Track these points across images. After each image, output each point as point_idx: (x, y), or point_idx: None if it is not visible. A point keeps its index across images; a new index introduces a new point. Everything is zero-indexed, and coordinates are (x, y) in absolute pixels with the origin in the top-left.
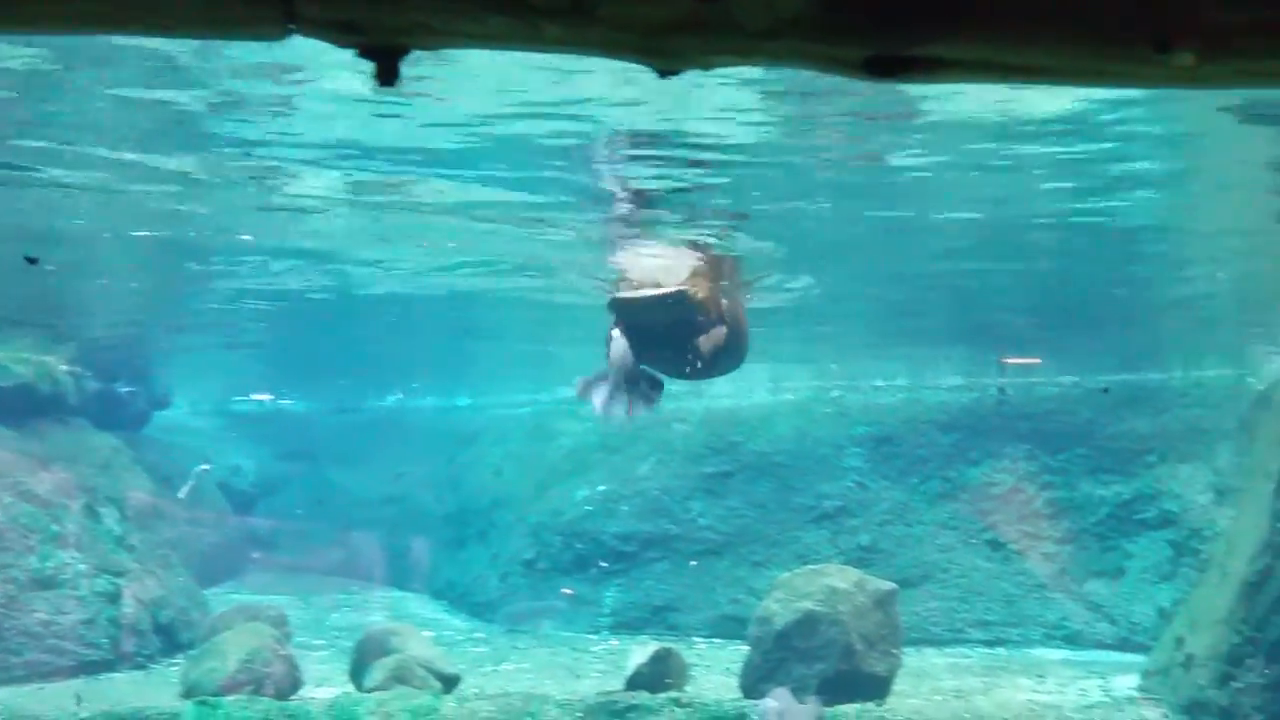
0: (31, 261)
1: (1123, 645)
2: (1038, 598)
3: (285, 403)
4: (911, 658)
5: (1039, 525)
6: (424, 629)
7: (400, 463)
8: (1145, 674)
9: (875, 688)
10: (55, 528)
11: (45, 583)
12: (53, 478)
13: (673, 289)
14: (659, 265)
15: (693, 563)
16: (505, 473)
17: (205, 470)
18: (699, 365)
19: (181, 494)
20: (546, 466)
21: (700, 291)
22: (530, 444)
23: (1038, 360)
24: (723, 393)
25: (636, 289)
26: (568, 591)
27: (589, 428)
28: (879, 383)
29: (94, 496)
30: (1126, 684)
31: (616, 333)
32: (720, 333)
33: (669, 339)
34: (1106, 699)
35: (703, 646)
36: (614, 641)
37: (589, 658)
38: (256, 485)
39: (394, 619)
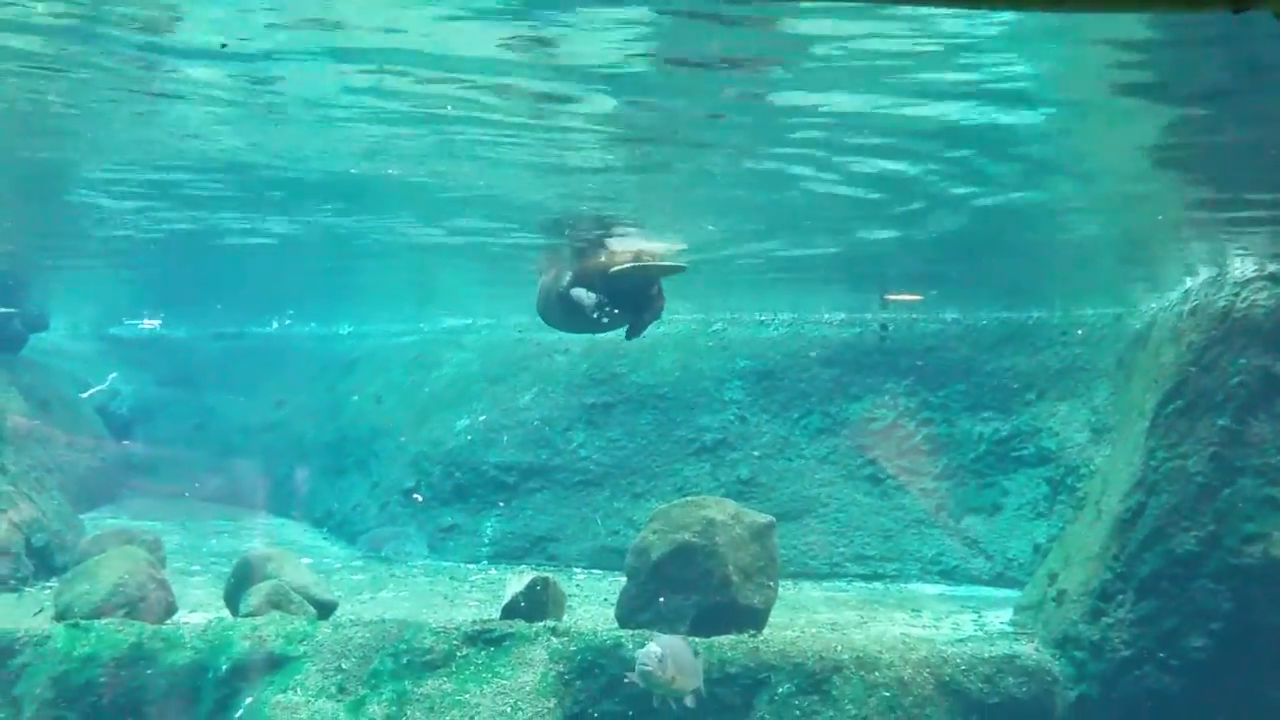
0: None
1: (998, 580)
2: (915, 533)
3: (164, 328)
4: (789, 591)
5: (918, 461)
6: (303, 556)
7: (281, 390)
8: (1018, 609)
9: (751, 619)
10: None
11: None
12: None
13: (630, 264)
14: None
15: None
16: (386, 401)
17: (113, 378)
18: (645, 318)
19: (85, 395)
20: (427, 395)
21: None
22: (411, 373)
23: (919, 297)
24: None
25: (604, 261)
26: (418, 497)
27: (470, 357)
28: (761, 317)
29: None
30: (1000, 619)
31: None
32: (659, 299)
33: (628, 300)
34: (980, 633)
35: (582, 577)
36: (493, 571)
37: (467, 587)
38: (134, 410)
39: (273, 546)
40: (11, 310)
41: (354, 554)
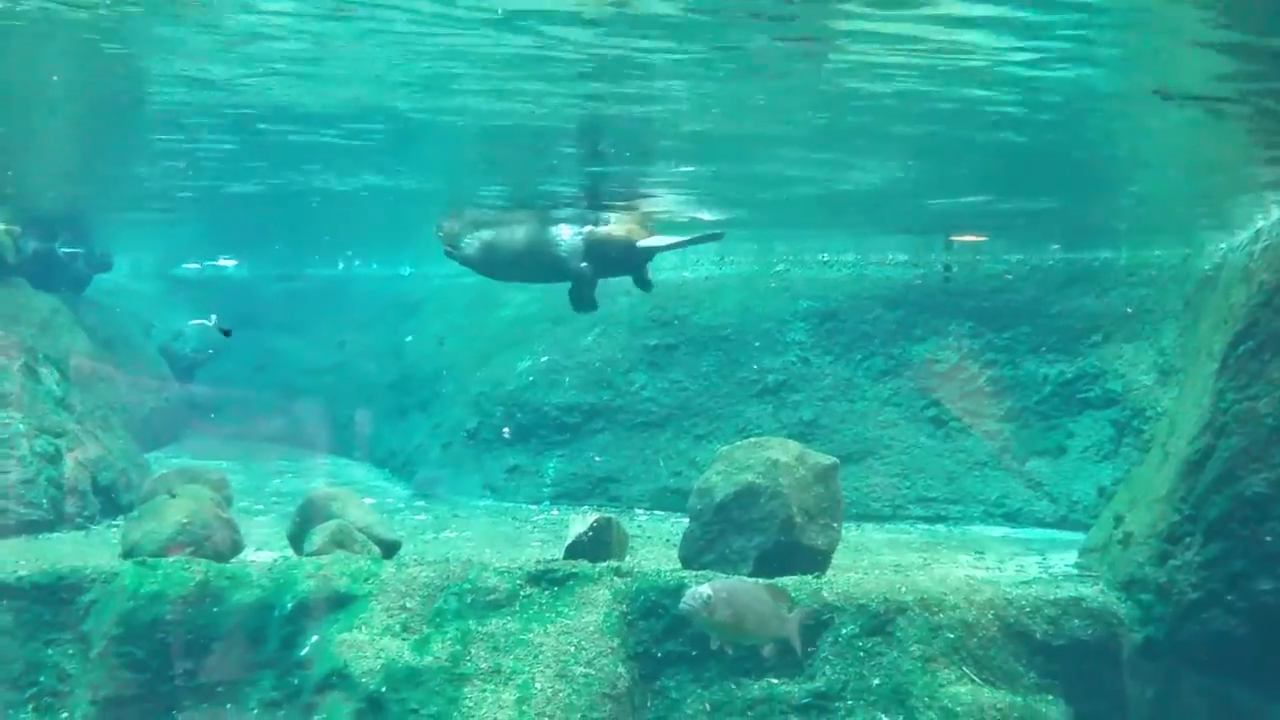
0: None
1: (1062, 523)
2: (979, 475)
3: (225, 269)
4: (851, 533)
5: (982, 403)
6: (366, 496)
7: (343, 331)
8: (1083, 551)
9: (814, 561)
10: None
11: None
12: None
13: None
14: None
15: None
16: (448, 342)
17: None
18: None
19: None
20: (489, 336)
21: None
22: (473, 314)
23: (984, 238)
24: (668, 265)
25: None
26: (506, 432)
27: (532, 298)
28: (824, 257)
29: (33, 357)
30: (1065, 561)
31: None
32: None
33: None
34: (1044, 575)
35: (644, 518)
36: (555, 512)
37: (530, 527)
38: (198, 350)
39: (336, 486)
40: (76, 250)
41: (416, 494)
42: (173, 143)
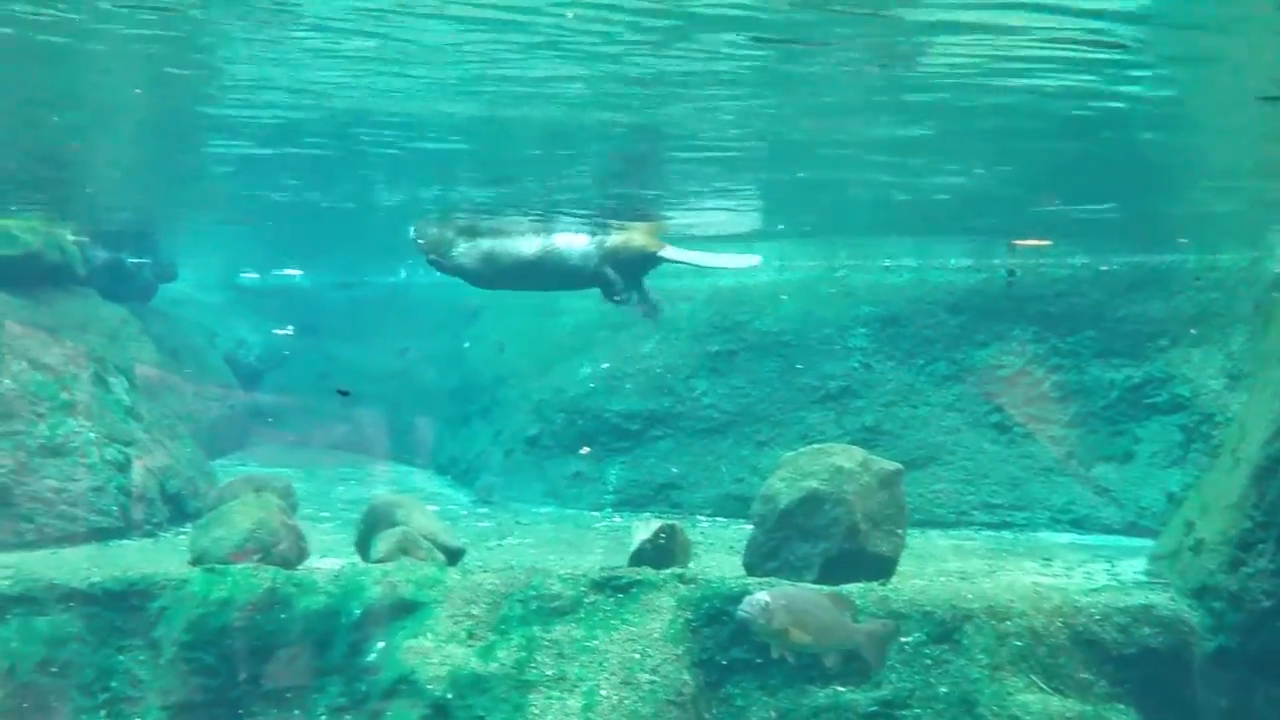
0: None
1: (1130, 530)
2: (1044, 481)
3: (287, 278)
4: (916, 539)
5: (1047, 408)
6: (428, 504)
7: (404, 338)
8: (1153, 558)
9: (879, 568)
10: (65, 396)
11: (55, 450)
12: (62, 347)
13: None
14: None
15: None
16: (509, 349)
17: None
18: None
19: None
20: (550, 343)
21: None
22: (533, 321)
23: (1048, 242)
24: (728, 271)
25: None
26: (586, 450)
27: (592, 305)
28: (886, 262)
29: (103, 366)
30: (1134, 568)
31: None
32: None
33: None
34: (1113, 582)
35: (706, 525)
36: (617, 519)
37: (593, 534)
38: (262, 359)
39: (398, 493)
40: (143, 260)
41: (477, 501)
42: (239, 150)
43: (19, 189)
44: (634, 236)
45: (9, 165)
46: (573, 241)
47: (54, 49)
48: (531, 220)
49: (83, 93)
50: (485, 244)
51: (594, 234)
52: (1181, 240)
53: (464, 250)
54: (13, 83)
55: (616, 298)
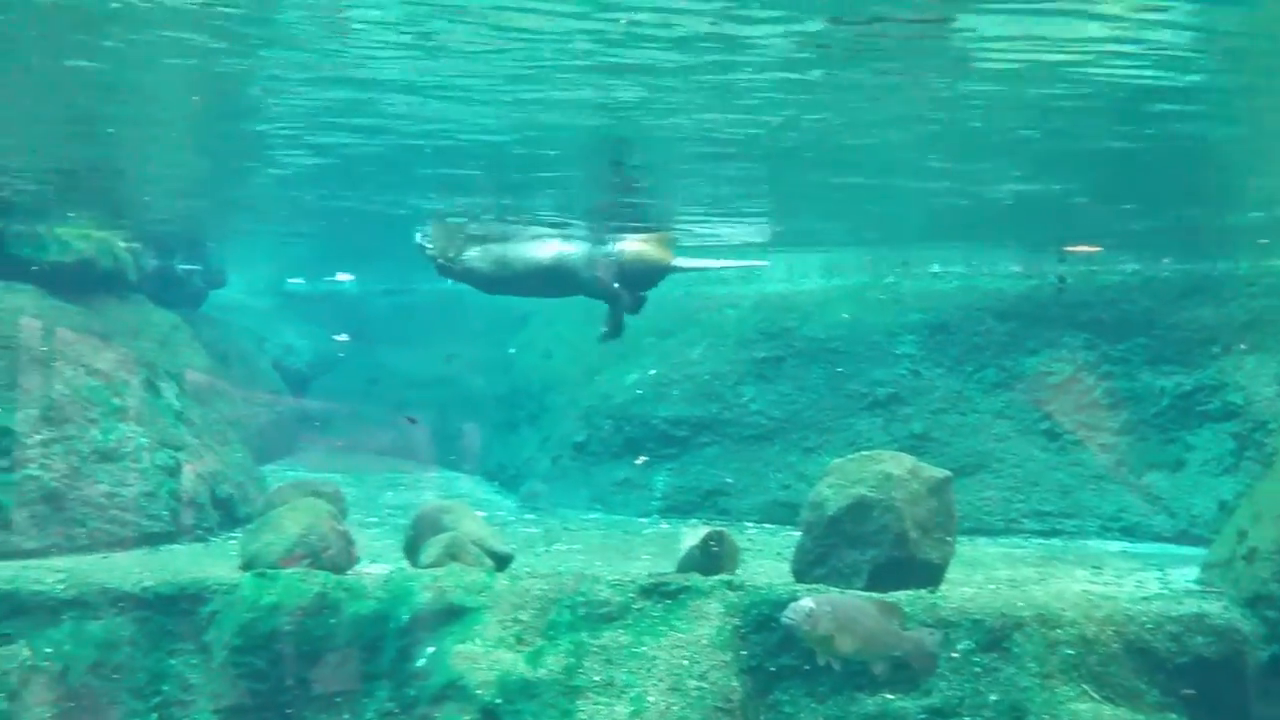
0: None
1: (1181, 538)
2: (1095, 489)
3: (335, 284)
4: (965, 547)
5: (1097, 416)
6: (476, 509)
7: (451, 345)
8: (1205, 567)
9: (928, 575)
10: (116, 401)
11: (107, 455)
12: (114, 352)
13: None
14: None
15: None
16: (556, 356)
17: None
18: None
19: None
20: (597, 350)
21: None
22: (580, 327)
23: (1098, 248)
24: (776, 277)
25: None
26: (642, 459)
27: (640, 312)
28: (935, 269)
29: (154, 371)
30: (1185, 577)
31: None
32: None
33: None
34: (1165, 591)
35: (753, 531)
36: (664, 525)
37: (640, 540)
38: (311, 365)
39: (447, 499)
40: (194, 267)
41: (524, 507)
42: (291, 158)
43: (72, 197)
44: (647, 248)
45: (63, 173)
46: (583, 249)
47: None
48: (536, 225)
49: (134, 102)
50: (497, 249)
51: (603, 242)
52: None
53: (476, 255)
54: (65, 92)
55: (625, 311)
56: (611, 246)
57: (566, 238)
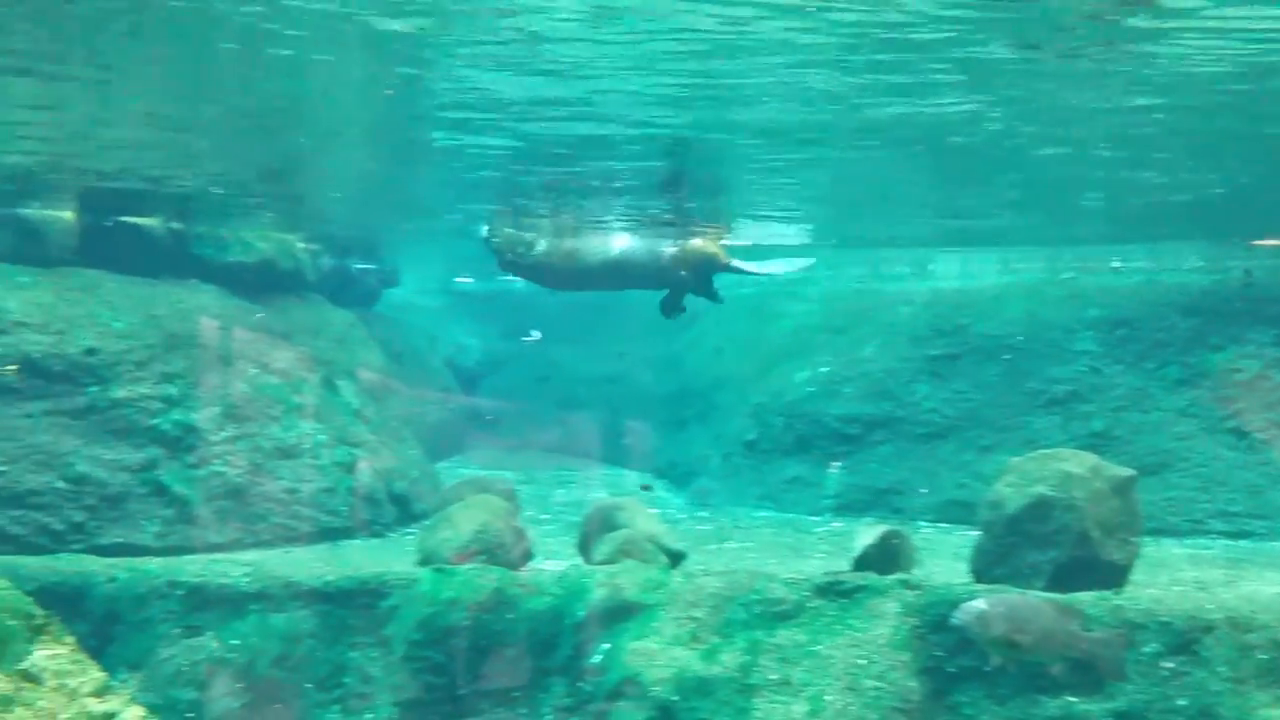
0: None
1: None
2: None
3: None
4: (1148, 548)
5: None
6: (648, 507)
7: (621, 342)
8: None
9: (1112, 576)
10: (296, 399)
11: (288, 452)
12: (293, 351)
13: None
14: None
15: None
16: (726, 353)
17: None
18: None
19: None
20: (768, 347)
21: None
22: (751, 325)
23: None
24: (949, 273)
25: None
26: (835, 466)
27: (813, 309)
28: (1116, 264)
29: (331, 370)
30: None
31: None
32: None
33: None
34: None
35: (928, 531)
36: (837, 524)
37: (812, 539)
38: (482, 363)
39: (617, 497)
40: (368, 266)
41: (694, 504)
42: (471, 163)
43: (253, 200)
44: (707, 244)
45: (244, 177)
46: (644, 242)
47: (282, 62)
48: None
49: (312, 108)
50: (569, 243)
51: (668, 238)
52: None
53: (546, 249)
54: (246, 97)
55: (674, 311)
56: (668, 242)
57: (632, 233)
